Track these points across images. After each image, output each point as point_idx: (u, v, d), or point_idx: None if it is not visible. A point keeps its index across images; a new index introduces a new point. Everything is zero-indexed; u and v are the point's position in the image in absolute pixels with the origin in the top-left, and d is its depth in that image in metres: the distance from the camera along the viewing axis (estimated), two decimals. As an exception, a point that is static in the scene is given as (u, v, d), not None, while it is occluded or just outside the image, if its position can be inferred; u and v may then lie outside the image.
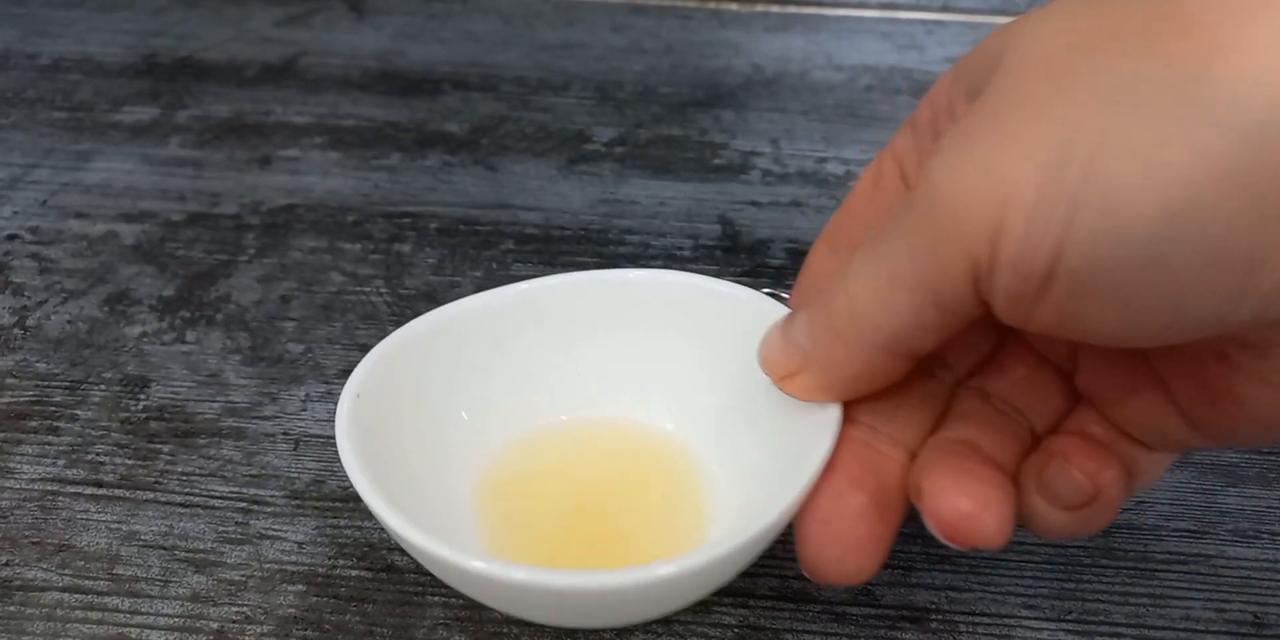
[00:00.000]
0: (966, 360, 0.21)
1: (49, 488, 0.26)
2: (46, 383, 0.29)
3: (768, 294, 0.28)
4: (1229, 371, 0.17)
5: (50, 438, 0.27)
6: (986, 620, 0.23)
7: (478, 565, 0.18)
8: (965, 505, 0.18)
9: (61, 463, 0.27)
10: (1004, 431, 0.20)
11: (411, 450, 0.22)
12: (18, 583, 0.24)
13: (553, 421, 0.25)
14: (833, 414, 0.20)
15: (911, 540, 0.25)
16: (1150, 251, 0.14)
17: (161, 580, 0.24)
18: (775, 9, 0.48)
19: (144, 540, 0.25)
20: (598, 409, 0.25)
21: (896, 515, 0.19)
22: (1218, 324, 0.15)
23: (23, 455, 0.27)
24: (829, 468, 0.19)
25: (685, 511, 0.23)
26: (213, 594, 0.24)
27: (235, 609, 0.23)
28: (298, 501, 0.26)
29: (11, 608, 0.23)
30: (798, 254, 0.34)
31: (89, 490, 0.26)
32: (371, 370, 0.22)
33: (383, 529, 0.25)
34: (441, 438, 0.23)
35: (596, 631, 0.23)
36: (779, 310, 0.22)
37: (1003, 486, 0.18)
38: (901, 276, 0.17)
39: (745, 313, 0.23)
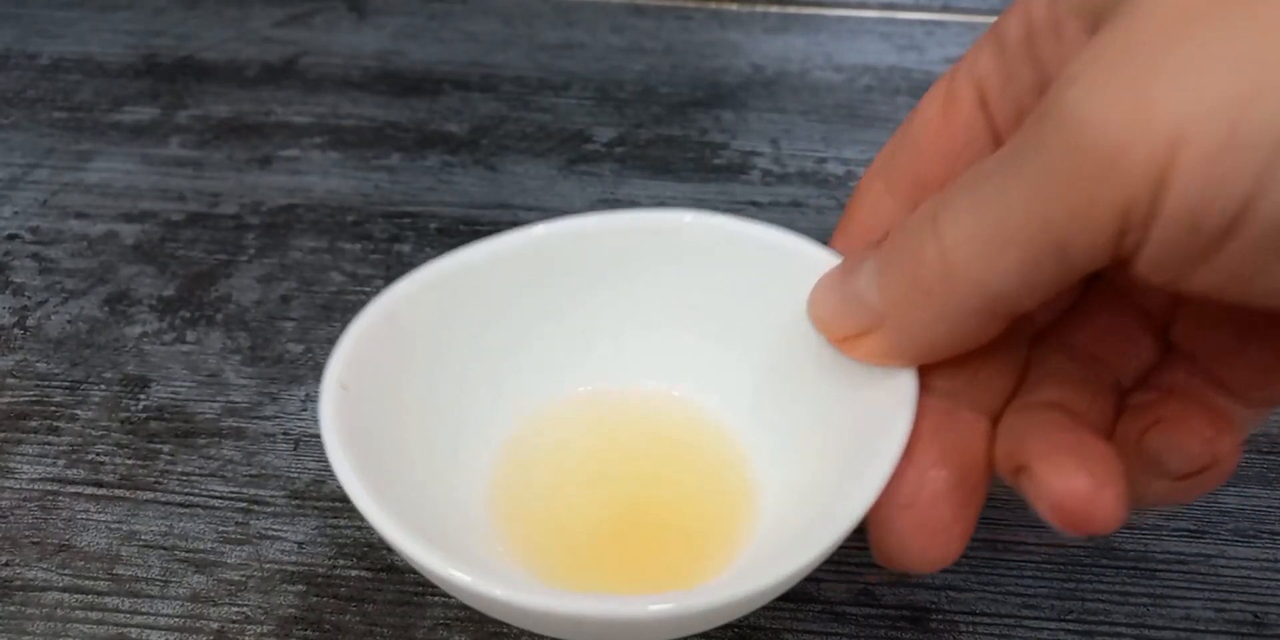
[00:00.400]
0: (1049, 308, 0.19)
1: (49, 488, 0.26)
2: (47, 383, 0.29)
3: None
4: None
5: (50, 438, 0.27)
6: (987, 620, 0.23)
7: (509, 597, 0.15)
8: (1084, 485, 0.15)
9: (62, 463, 0.27)
10: (1092, 390, 0.18)
11: (411, 445, 0.19)
12: (18, 582, 0.24)
13: (573, 398, 0.22)
14: (907, 383, 0.17)
15: (911, 540, 0.25)
16: None
17: (161, 580, 0.24)
18: (775, 9, 0.48)
19: (144, 540, 0.25)
20: (625, 383, 0.22)
21: (982, 492, 0.17)
22: None
23: (23, 455, 0.27)
24: (908, 442, 0.17)
25: (731, 507, 0.20)
26: (213, 594, 0.24)
27: (235, 609, 0.23)
28: (298, 501, 0.26)
29: (12, 607, 0.23)
30: (798, 254, 0.34)
31: (89, 490, 0.26)
32: (356, 352, 0.19)
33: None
34: (444, 427, 0.20)
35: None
36: (834, 261, 0.19)
37: (1116, 460, 0.16)
38: (1018, 226, 0.14)
39: (799, 265, 0.20)
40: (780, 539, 0.17)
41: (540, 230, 0.21)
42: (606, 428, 0.22)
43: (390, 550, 0.25)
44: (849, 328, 0.17)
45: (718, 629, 0.23)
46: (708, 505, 0.21)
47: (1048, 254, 0.14)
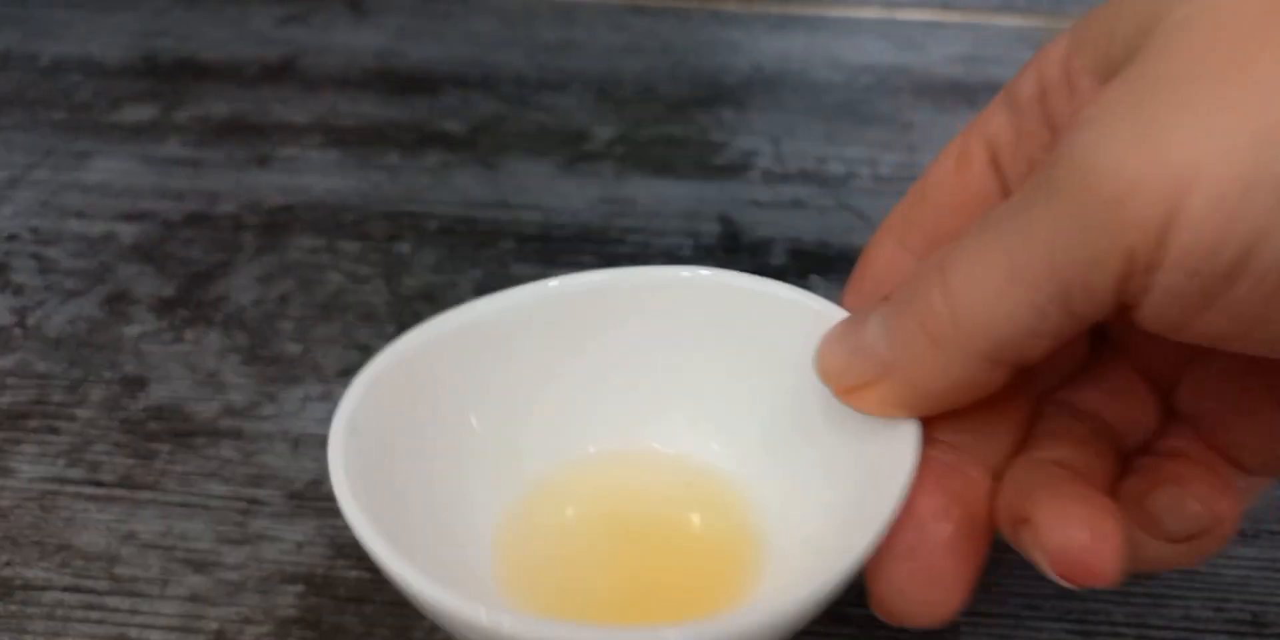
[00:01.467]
0: (1057, 369, 0.19)
1: (49, 487, 0.26)
2: (46, 382, 0.29)
3: None
4: None
5: (50, 437, 0.27)
6: (987, 620, 0.23)
7: (504, 621, 0.16)
8: (1084, 538, 0.15)
9: (61, 462, 0.27)
10: (1096, 450, 0.18)
11: (420, 495, 0.19)
12: (18, 582, 0.24)
13: (581, 453, 0.22)
14: (911, 434, 0.17)
15: (911, 540, 0.25)
16: None
17: (161, 580, 0.24)
18: (775, 9, 0.48)
19: (143, 540, 0.25)
20: (632, 435, 0.22)
21: (984, 547, 0.18)
22: None
23: (23, 455, 0.27)
24: (911, 493, 0.17)
25: (737, 553, 0.20)
26: (212, 594, 0.24)
27: (234, 609, 0.23)
28: (296, 502, 0.26)
29: (13, 607, 0.23)
30: (799, 253, 0.34)
31: (89, 490, 0.26)
32: (367, 398, 0.19)
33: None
34: (452, 481, 0.20)
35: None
36: (840, 315, 0.19)
37: (1116, 514, 0.16)
38: (1026, 271, 0.14)
39: (802, 319, 0.20)
40: (781, 586, 0.17)
41: (553, 284, 0.21)
42: (615, 485, 0.22)
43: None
44: (855, 378, 0.17)
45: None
46: (716, 554, 0.21)
47: (1052, 300, 0.14)
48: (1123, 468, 0.19)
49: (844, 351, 0.18)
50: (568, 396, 0.22)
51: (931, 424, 0.18)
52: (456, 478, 0.20)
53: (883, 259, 0.20)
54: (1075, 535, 0.16)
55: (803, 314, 0.20)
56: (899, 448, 0.17)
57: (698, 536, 0.21)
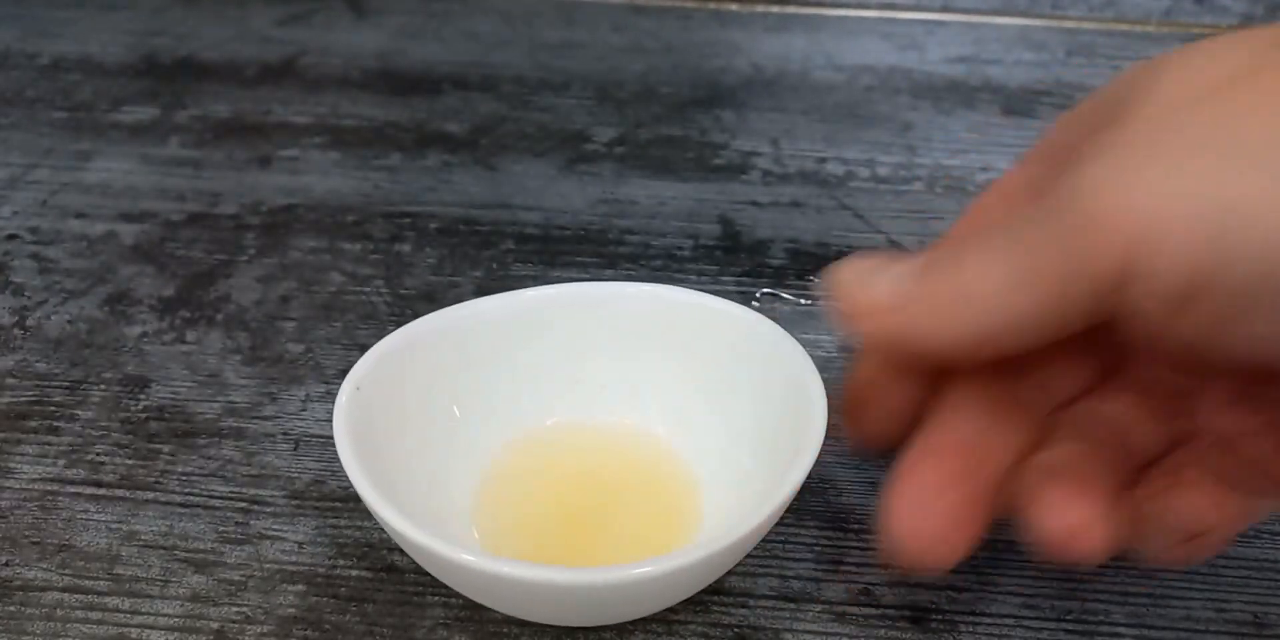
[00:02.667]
0: (1078, 383, 0.21)
1: (49, 488, 0.26)
2: (46, 383, 0.29)
3: (766, 294, 0.29)
4: None
5: (50, 438, 0.27)
6: (987, 620, 0.23)
7: (465, 559, 0.19)
8: (1074, 519, 0.18)
9: (61, 463, 0.27)
10: (1108, 457, 0.20)
11: (409, 447, 0.23)
12: (18, 582, 0.24)
13: (550, 424, 0.26)
14: (816, 433, 0.21)
15: (911, 540, 0.25)
16: None
17: (161, 580, 0.24)
18: (775, 9, 0.48)
19: (144, 540, 0.25)
20: (594, 414, 0.26)
21: (988, 512, 0.20)
22: None
23: (23, 455, 0.27)
24: (927, 461, 0.19)
25: (677, 514, 0.24)
26: (213, 594, 0.24)
27: (235, 609, 0.23)
28: (298, 501, 0.26)
29: (12, 607, 0.23)
30: (798, 254, 0.34)
31: (89, 490, 0.26)
32: (372, 366, 0.23)
33: (383, 529, 0.25)
34: (439, 436, 0.24)
35: (597, 631, 0.23)
36: (772, 330, 0.23)
37: (1110, 506, 0.19)
38: (1033, 271, 0.17)
39: (738, 328, 0.24)
40: (704, 541, 0.20)
41: (527, 294, 0.25)
42: (579, 450, 0.26)
43: (389, 550, 0.25)
44: (876, 301, 0.19)
45: (716, 628, 0.23)
46: (661, 509, 0.24)
47: (1049, 300, 0.17)
48: (1135, 476, 0.20)
49: (874, 271, 0.19)
50: (543, 382, 0.26)
51: (962, 409, 0.20)
52: (439, 439, 0.24)
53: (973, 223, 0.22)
54: (1067, 516, 0.18)
55: (743, 327, 0.24)
56: (804, 442, 0.21)
57: (646, 498, 0.25)
